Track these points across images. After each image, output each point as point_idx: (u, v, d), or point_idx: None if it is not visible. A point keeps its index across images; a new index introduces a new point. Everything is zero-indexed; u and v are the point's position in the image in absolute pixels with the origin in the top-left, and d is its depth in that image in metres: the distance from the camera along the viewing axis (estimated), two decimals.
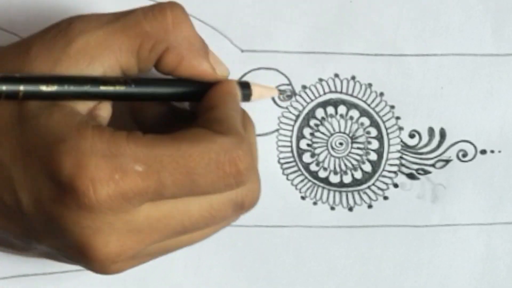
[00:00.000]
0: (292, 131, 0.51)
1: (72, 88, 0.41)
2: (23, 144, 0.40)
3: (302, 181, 0.51)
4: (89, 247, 0.40)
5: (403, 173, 0.52)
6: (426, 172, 0.52)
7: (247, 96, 0.47)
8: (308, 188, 0.51)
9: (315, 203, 0.52)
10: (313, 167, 0.51)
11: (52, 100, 0.41)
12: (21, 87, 0.40)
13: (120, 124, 0.42)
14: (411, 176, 0.52)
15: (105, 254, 0.40)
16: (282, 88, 0.51)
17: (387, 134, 0.52)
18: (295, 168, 0.51)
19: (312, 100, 0.51)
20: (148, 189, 0.39)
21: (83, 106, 0.42)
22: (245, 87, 0.47)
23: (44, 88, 0.40)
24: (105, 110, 0.43)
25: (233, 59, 0.50)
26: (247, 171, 0.40)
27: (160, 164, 0.39)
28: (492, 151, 0.52)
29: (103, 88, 0.41)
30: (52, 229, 0.40)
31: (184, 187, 0.40)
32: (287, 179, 0.51)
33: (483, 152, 0.52)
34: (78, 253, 0.41)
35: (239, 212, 0.43)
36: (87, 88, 0.41)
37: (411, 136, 0.52)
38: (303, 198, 0.52)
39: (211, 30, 0.50)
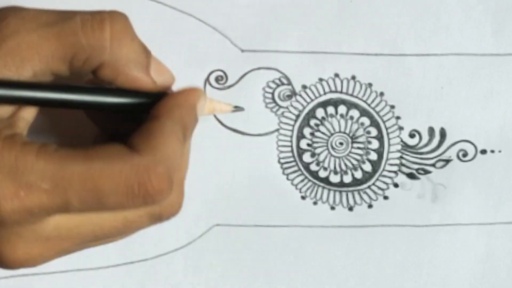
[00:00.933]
0: (292, 131, 0.51)
1: None
2: None
3: (302, 181, 0.51)
4: None
5: (403, 172, 0.52)
6: (426, 172, 0.52)
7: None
8: (308, 188, 0.51)
9: (315, 203, 0.52)
10: (313, 167, 0.51)
11: None
12: None
13: (75, 120, 0.42)
14: (411, 176, 0.52)
15: (12, 260, 0.40)
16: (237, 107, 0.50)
17: (387, 134, 0.52)
18: (295, 168, 0.51)
19: (312, 100, 0.51)
20: (53, 205, 0.39)
21: (5, 110, 0.41)
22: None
23: None
24: (29, 113, 0.42)
25: (233, 59, 0.50)
26: (159, 193, 0.40)
27: (67, 182, 0.39)
28: (492, 151, 0.52)
29: (25, 93, 0.40)
30: None
31: (91, 205, 0.39)
32: (287, 179, 0.51)
33: (483, 152, 0.52)
34: None
35: (156, 222, 0.42)
36: (7, 92, 0.40)
37: (411, 136, 0.52)
38: (303, 198, 0.51)
39: (211, 30, 0.50)
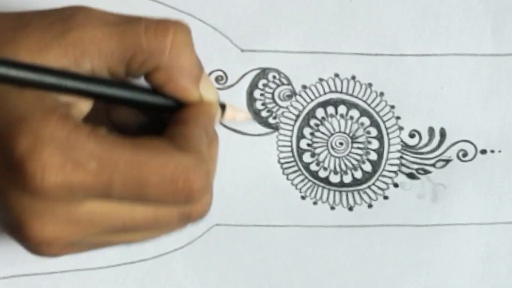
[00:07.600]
0: (292, 131, 0.51)
1: (44, 79, 0.40)
2: None
3: (302, 181, 0.51)
4: (26, 227, 0.40)
5: (403, 172, 0.52)
6: (426, 172, 0.52)
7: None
8: (308, 188, 0.51)
9: (315, 203, 0.52)
10: (313, 167, 0.51)
11: (26, 87, 0.40)
12: None
13: (96, 120, 0.42)
14: (411, 176, 0.52)
15: (39, 237, 0.40)
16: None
17: (387, 134, 0.52)
18: (295, 168, 0.51)
19: (312, 100, 0.51)
20: (96, 186, 0.39)
21: (63, 98, 0.41)
22: (221, 108, 0.47)
23: (17, 74, 0.40)
24: (84, 105, 0.43)
25: (233, 59, 0.50)
26: (199, 192, 0.40)
27: (114, 165, 0.39)
28: (492, 151, 0.52)
29: (73, 84, 0.41)
30: None
31: (133, 193, 0.40)
32: (287, 179, 0.51)
33: (483, 152, 0.52)
34: (14, 230, 0.40)
35: (184, 223, 0.43)
36: (59, 82, 0.41)
37: (411, 136, 0.52)
38: (303, 198, 0.52)
39: (211, 30, 0.50)
